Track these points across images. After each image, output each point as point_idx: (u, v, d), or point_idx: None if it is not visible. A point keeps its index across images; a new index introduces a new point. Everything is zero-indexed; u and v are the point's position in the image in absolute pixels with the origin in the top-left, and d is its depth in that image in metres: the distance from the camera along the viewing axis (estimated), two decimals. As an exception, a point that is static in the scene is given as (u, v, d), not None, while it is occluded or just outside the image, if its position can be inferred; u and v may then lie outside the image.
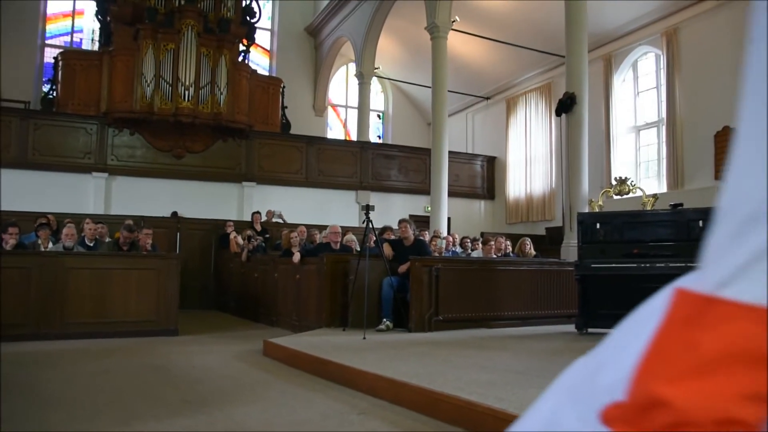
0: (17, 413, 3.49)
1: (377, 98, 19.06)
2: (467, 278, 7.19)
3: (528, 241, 9.31)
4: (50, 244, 7.72)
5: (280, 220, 12.50)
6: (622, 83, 12.60)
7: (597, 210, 8.64)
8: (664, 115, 11.48)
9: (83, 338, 6.69)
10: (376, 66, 15.92)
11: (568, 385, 0.64)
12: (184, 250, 11.05)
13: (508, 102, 15.79)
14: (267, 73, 16.84)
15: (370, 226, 6.75)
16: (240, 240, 10.55)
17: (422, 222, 12.47)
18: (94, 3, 14.03)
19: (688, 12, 10.88)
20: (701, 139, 10.34)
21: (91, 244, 7.96)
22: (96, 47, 15.04)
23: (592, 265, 6.27)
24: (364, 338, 5.89)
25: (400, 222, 7.61)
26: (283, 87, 14.77)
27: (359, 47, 15.67)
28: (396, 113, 19.40)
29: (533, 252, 9.28)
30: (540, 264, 8.12)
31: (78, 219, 9.31)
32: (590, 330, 6.39)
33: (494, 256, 8.83)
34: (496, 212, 16.06)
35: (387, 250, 7.25)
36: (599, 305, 6.22)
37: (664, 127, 11.49)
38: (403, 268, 7.01)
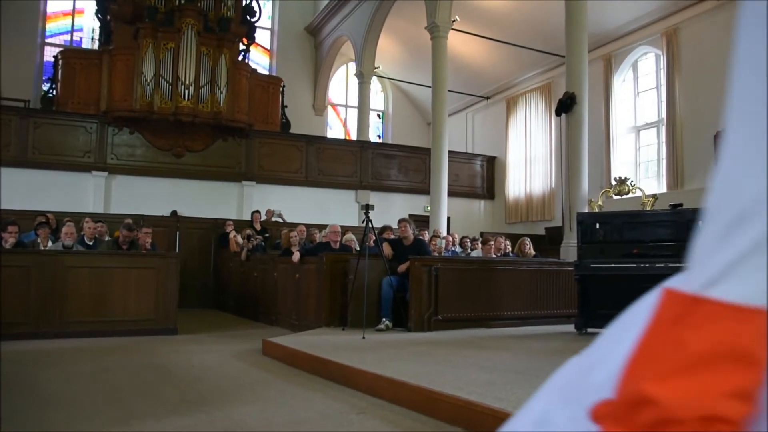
0: (16, 412, 3.49)
1: (377, 98, 19.06)
2: (467, 278, 7.19)
3: (527, 240, 9.31)
4: (50, 243, 7.72)
5: (280, 220, 12.50)
6: (622, 83, 12.60)
7: (597, 210, 8.64)
8: (664, 115, 11.48)
9: (82, 337, 6.70)
10: (376, 65, 15.92)
11: (560, 385, 0.64)
12: (184, 249, 11.04)
13: (508, 102, 15.79)
14: (267, 73, 16.84)
15: (370, 225, 6.75)
16: (239, 239, 10.55)
17: (422, 222, 12.47)
18: (94, 2, 14.03)
19: (688, 12, 10.89)
20: (701, 140, 10.34)
21: (91, 243, 7.95)
22: (96, 46, 15.03)
23: (592, 265, 6.27)
24: (364, 338, 5.89)
25: (400, 221, 7.61)
26: (283, 86, 14.77)
27: (359, 47, 15.67)
28: (396, 113, 19.40)
29: (533, 252, 9.28)
30: (539, 264, 8.12)
31: (77, 218, 9.30)
32: (590, 330, 6.39)
33: (494, 255, 8.83)
34: (495, 212, 16.06)
35: (386, 249, 7.25)
36: (599, 305, 6.22)
37: (663, 128, 11.49)
38: (402, 268, 7.00)
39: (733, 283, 0.52)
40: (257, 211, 11.92)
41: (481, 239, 10.47)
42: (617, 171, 11.84)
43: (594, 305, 6.28)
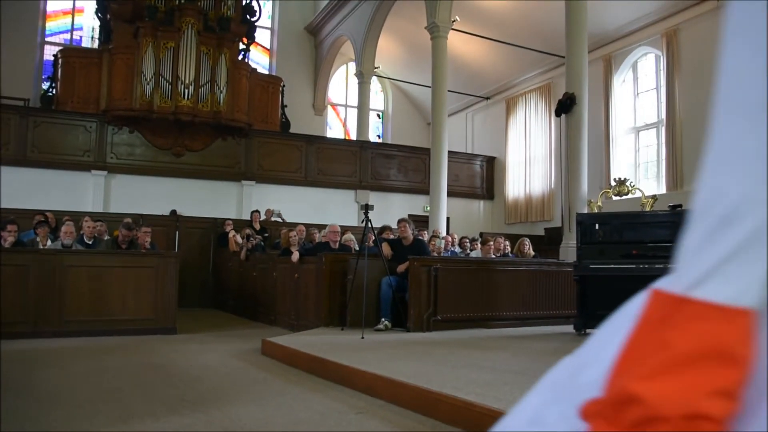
0: (15, 411, 3.49)
1: (377, 98, 19.05)
2: (466, 278, 7.19)
3: (527, 241, 9.31)
4: (49, 242, 7.72)
5: (279, 219, 12.50)
6: (621, 84, 12.60)
7: (596, 211, 8.65)
8: (663, 116, 11.48)
9: (81, 336, 6.70)
10: (376, 65, 15.91)
11: (552, 384, 0.66)
12: (183, 249, 11.04)
13: (508, 102, 15.79)
14: (267, 72, 16.82)
15: (369, 225, 6.75)
16: (239, 239, 10.55)
17: (421, 222, 12.47)
18: (94, 1, 14.02)
19: (688, 13, 10.89)
20: (701, 141, 10.16)
21: (90, 242, 7.95)
22: (96, 45, 15.02)
23: (591, 266, 6.27)
24: (363, 338, 5.89)
25: (399, 221, 7.61)
26: (283, 86, 14.76)
27: (359, 46, 15.67)
28: (396, 113, 19.40)
29: (532, 252, 9.29)
30: (539, 264, 8.12)
31: (77, 217, 9.31)
32: (589, 331, 6.38)
33: (493, 256, 8.83)
34: (495, 212, 16.07)
35: (386, 249, 7.25)
36: (598, 306, 6.22)
37: (663, 128, 11.49)
38: (401, 268, 7.00)
39: (718, 283, 0.53)
40: (257, 211, 11.92)
41: (480, 239, 10.47)
42: (617, 172, 11.84)
43: (593, 306, 6.28)
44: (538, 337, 6.31)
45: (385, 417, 3.46)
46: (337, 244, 8.03)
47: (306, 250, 8.20)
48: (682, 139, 10.83)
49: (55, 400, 3.80)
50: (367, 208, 6.72)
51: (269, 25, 18.01)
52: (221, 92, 12.62)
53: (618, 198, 9.19)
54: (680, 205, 6.62)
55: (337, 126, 19.02)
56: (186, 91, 12.27)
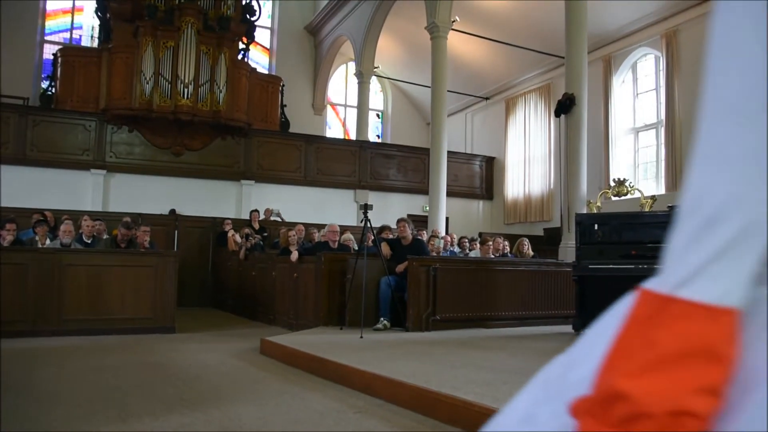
0: (14, 410, 3.49)
1: (376, 97, 19.05)
2: (465, 278, 7.20)
3: (526, 241, 9.32)
4: (48, 241, 7.72)
5: (279, 219, 12.50)
6: (621, 84, 12.61)
7: (595, 211, 8.64)
8: (663, 116, 11.48)
9: (80, 335, 6.70)
10: (375, 65, 15.90)
11: (544, 382, 0.68)
12: (182, 248, 11.03)
13: (508, 102, 15.79)
14: (266, 72, 16.81)
15: (369, 225, 6.75)
16: (238, 238, 10.55)
17: (420, 222, 12.47)
18: (94, 0, 14.01)
19: (688, 14, 10.89)
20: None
21: (89, 241, 7.95)
22: (95, 44, 15.01)
23: (590, 266, 6.27)
24: (362, 337, 5.89)
25: (399, 221, 7.61)
26: (283, 85, 14.76)
27: (359, 46, 15.66)
28: (395, 113, 19.40)
29: (531, 252, 9.29)
30: (538, 264, 8.13)
31: (76, 216, 9.30)
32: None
33: (492, 256, 8.83)
34: (494, 212, 16.07)
35: (385, 249, 7.25)
36: (597, 306, 6.17)
37: (663, 129, 11.50)
38: (400, 268, 7.01)
39: (704, 283, 0.54)
40: (256, 210, 11.92)
41: (479, 239, 10.47)
42: (616, 172, 11.84)
43: (592, 306, 6.28)
44: (536, 337, 6.31)
45: (383, 416, 3.46)
46: (336, 243, 8.03)
47: (305, 249, 8.20)
48: (682, 140, 10.84)
49: (54, 399, 3.80)
50: (366, 207, 6.71)
51: (269, 25, 18.00)
52: (221, 92, 12.62)
53: (617, 198, 9.19)
54: (679, 206, 6.62)
55: (337, 126, 19.02)
56: (185, 90, 12.27)
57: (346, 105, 19.07)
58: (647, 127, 12.24)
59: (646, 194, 8.71)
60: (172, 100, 12.19)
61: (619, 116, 12.51)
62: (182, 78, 12.25)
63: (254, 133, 13.44)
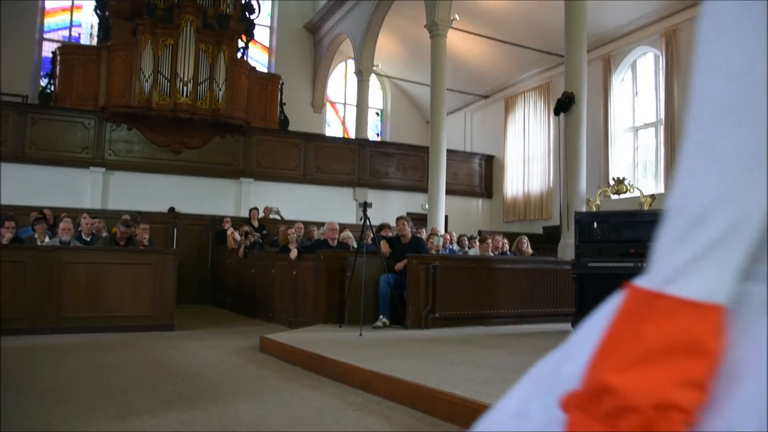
0: (13, 408, 3.49)
1: (376, 96, 19.03)
2: (464, 276, 7.20)
3: (525, 239, 9.33)
4: (47, 239, 7.71)
5: (278, 217, 12.50)
6: (620, 83, 12.61)
7: (594, 209, 8.65)
8: (662, 115, 11.48)
9: (79, 333, 6.70)
10: (375, 63, 15.88)
11: (537, 377, 0.69)
12: (182, 246, 11.03)
13: (507, 101, 15.78)
14: (266, 70, 16.79)
15: (368, 223, 6.76)
16: (237, 236, 10.55)
17: (420, 220, 12.46)
18: (93, -3, 14.00)
19: (687, 13, 10.88)
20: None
21: (88, 239, 7.94)
22: (94, 42, 14.97)
23: (589, 264, 6.28)
24: (361, 335, 5.90)
25: (398, 219, 7.61)
26: (282, 83, 14.74)
27: (358, 44, 15.65)
28: (394, 111, 19.39)
29: (530, 250, 9.30)
30: (537, 262, 8.14)
31: (75, 213, 9.28)
32: (586, 329, 6.38)
33: (491, 254, 8.84)
34: (493, 211, 16.07)
35: (384, 247, 7.25)
36: (596, 304, 6.14)
37: (662, 128, 11.50)
38: (400, 266, 7.01)
39: (690, 280, 0.56)
40: (255, 208, 11.92)
41: (478, 237, 10.47)
42: (615, 171, 11.84)
43: (591, 304, 6.19)
44: (535, 335, 6.32)
45: (382, 414, 3.47)
46: (336, 241, 8.04)
47: (304, 247, 8.20)
48: (681, 139, 10.82)
49: (54, 397, 3.80)
50: (365, 205, 6.72)
51: (268, 23, 17.97)
52: (220, 90, 12.60)
53: (616, 197, 9.18)
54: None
55: (336, 124, 19.01)
56: (185, 88, 12.26)
57: (346, 103, 19.05)
58: (646, 125, 12.24)
59: (645, 193, 8.71)
60: (171, 98, 12.18)
61: (619, 115, 12.51)
62: (181, 76, 12.23)
63: (253, 131, 13.43)
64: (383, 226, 8.97)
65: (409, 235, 7.42)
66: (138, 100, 12.09)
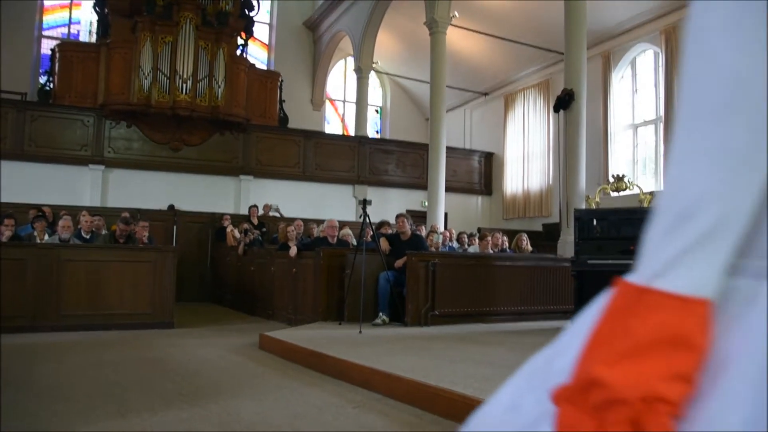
0: (13, 406, 3.49)
1: (375, 93, 19.01)
2: (464, 273, 7.20)
3: (525, 236, 9.32)
4: (46, 236, 7.71)
5: (277, 214, 12.50)
6: (620, 80, 12.60)
7: (594, 207, 8.65)
8: (662, 112, 11.48)
9: (79, 330, 6.70)
10: (374, 61, 15.86)
11: (529, 372, 0.71)
12: (181, 243, 11.02)
13: (507, 98, 15.77)
14: (265, 67, 16.78)
15: (367, 220, 6.76)
16: (237, 233, 10.55)
17: (419, 217, 12.46)
18: (92, -5, 13.96)
19: (687, 10, 10.86)
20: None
21: (88, 237, 7.94)
22: (93, 39, 14.95)
23: (589, 261, 6.28)
24: (360, 332, 5.90)
25: (398, 217, 7.62)
26: (281, 81, 14.73)
27: (358, 42, 15.63)
28: (394, 108, 19.37)
29: (530, 248, 9.29)
30: (536, 260, 8.14)
31: (74, 211, 9.27)
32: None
33: (491, 251, 8.84)
34: (493, 208, 16.07)
35: (384, 244, 7.25)
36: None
37: (661, 125, 11.50)
38: (399, 263, 7.01)
39: (678, 275, 0.57)
40: (254, 206, 11.91)
41: (478, 235, 10.47)
42: (615, 168, 11.83)
43: (590, 301, 6.27)
44: (535, 332, 6.32)
45: (382, 411, 3.47)
46: (335, 239, 8.04)
47: (304, 245, 8.20)
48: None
49: (54, 395, 3.80)
50: (365, 203, 6.72)
51: (267, 20, 17.95)
52: (219, 87, 12.59)
53: (616, 194, 9.19)
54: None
55: (336, 121, 18.99)
56: (184, 85, 12.24)
57: (345, 100, 19.04)
58: (646, 122, 12.23)
59: (644, 190, 8.72)
60: (170, 96, 12.17)
61: (618, 112, 12.51)
62: (181, 73, 12.22)
63: (253, 128, 13.42)
64: (383, 224, 8.97)
65: (409, 232, 7.42)
66: (137, 97, 12.08)
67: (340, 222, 8.76)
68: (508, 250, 9.42)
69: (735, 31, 0.56)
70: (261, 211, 12.14)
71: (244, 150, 13.31)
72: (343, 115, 19.06)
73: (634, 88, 12.49)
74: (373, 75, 16.91)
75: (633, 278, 0.60)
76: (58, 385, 4.08)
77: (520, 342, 5.48)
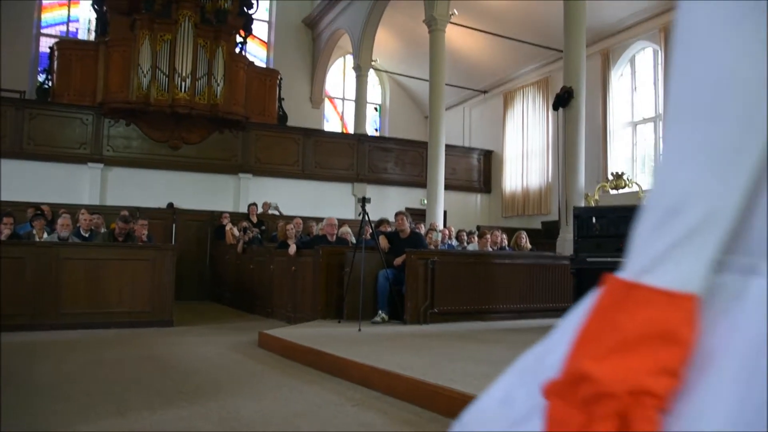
0: (12, 405, 3.49)
1: (374, 91, 18.99)
2: (463, 271, 7.20)
3: (524, 234, 9.32)
4: (45, 235, 7.70)
5: (276, 212, 12.49)
6: (619, 78, 12.60)
7: (593, 204, 8.66)
8: (661, 110, 11.48)
9: (78, 329, 6.70)
10: (373, 58, 15.85)
11: (521, 367, 0.73)
12: (180, 242, 11.02)
13: (506, 96, 15.76)
14: (264, 65, 16.77)
15: (366, 218, 6.75)
16: (236, 231, 10.55)
17: (418, 215, 12.47)
18: (91, -8, 13.94)
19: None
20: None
21: (87, 235, 7.93)
22: (92, 37, 14.94)
23: (588, 259, 6.29)
24: (360, 330, 5.90)
25: (397, 214, 7.62)
26: (280, 79, 14.71)
27: (357, 39, 15.61)
28: (393, 106, 19.36)
29: (529, 246, 9.30)
30: (536, 258, 8.14)
31: (73, 209, 9.28)
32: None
33: (490, 249, 8.84)
34: (492, 206, 16.07)
35: (383, 242, 7.25)
36: (594, 299, 6.21)
37: (661, 123, 11.49)
38: (398, 261, 7.01)
39: (665, 270, 0.58)
40: (254, 204, 11.90)
41: (477, 233, 10.48)
42: (614, 166, 11.84)
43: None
44: (534, 330, 6.33)
45: (381, 409, 3.47)
46: (334, 237, 8.04)
47: (303, 243, 8.20)
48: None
49: (53, 393, 3.80)
50: (364, 201, 6.71)
51: (266, 18, 17.93)
52: (218, 85, 12.58)
53: (615, 192, 9.20)
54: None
55: (335, 119, 18.98)
56: (183, 83, 12.23)
57: (344, 98, 19.03)
58: (645, 120, 12.23)
59: (643, 187, 8.72)
60: (169, 94, 12.16)
61: (617, 110, 12.51)
62: (179, 71, 12.20)
63: (252, 126, 13.41)
64: (382, 222, 8.97)
65: (408, 230, 7.42)
66: (136, 95, 12.06)
67: (339, 220, 8.76)
68: (507, 248, 9.42)
69: (721, 31, 0.57)
70: (260, 210, 12.13)
71: (243, 148, 13.31)
72: (342, 113, 19.05)
73: (634, 86, 12.48)
74: (372, 73, 16.89)
75: (622, 274, 0.61)
76: (57, 383, 4.09)
77: (519, 340, 5.48)
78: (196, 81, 12.37)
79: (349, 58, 17.54)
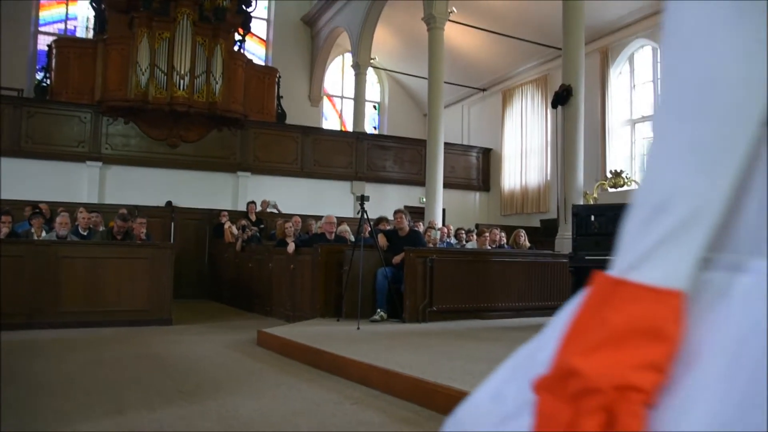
0: (10, 403, 3.49)
1: (373, 89, 18.99)
2: (462, 269, 7.21)
3: (522, 232, 9.33)
4: (43, 233, 7.70)
5: (275, 210, 12.49)
6: (618, 76, 12.59)
7: (592, 202, 8.66)
8: (659, 108, 11.47)
9: (77, 327, 6.69)
10: (372, 56, 15.84)
11: (513, 364, 0.75)
12: (179, 240, 11.02)
13: (504, 94, 15.76)
14: (263, 63, 16.75)
15: (365, 216, 6.75)
16: (234, 230, 10.54)
17: (417, 213, 12.47)
18: (89, -10, 13.91)
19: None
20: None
21: (85, 233, 7.93)
22: (90, 35, 14.90)
23: (587, 257, 6.29)
24: (358, 328, 5.90)
25: (396, 213, 7.61)
26: (279, 77, 14.69)
27: (355, 37, 15.60)
28: (392, 104, 19.35)
29: (528, 244, 9.30)
30: (534, 256, 8.14)
31: (72, 208, 9.27)
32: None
33: (489, 247, 8.85)
34: (491, 204, 16.07)
35: (382, 240, 7.25)
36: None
37: (658, 121, 11.48)
38: (397, 259, 7.01)
39: (651, 267, 0.59)
40: (252, 202, 11.89)
41: (476, 231, 10.48)
42: (613, 164, 11.85)
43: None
44: (533, 328, 6.27)
45: (380, 407, 3.48)
46: (333, 235, 8.03)
47: (302, 241, 8.20)
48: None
49: (52, 392, 3.80)
50: (363, 199, 6.71)
51: (265, 16, 17.91)
52: (217, 83, 12.56)
53: (614, 190, 9.21)
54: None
55: (333, 117, 18.97)
56: (181, 81, 12.21)
57: (343, 96, 19.01)
58: (644, 118, 12.23)
59: (642, 186, 8.71)
60: (167, 92, 12.14)
61: (616, 108, 12.51)
62: (178, 69, 12.19)
63: (250, 124, 13.40)
64: (381, 220, 8.96)
65: (407, 228, 7.42)
66: (134, 93, 12.04)
67: (338, 218, 8.75)
68: (505, 246, 9.42)
69: (706, 31, 0.58)
70: (259, 208, 12.12)
71: (242, 146, 13.30)
72: (341, 111, 19.04)
73: (632, 84, 12.49)
74: (370, 71, 16.90)
75: (611, 271, 0.62)
76: (56, 382, 4.08)
77: (517, 338, 5.45)
78: (195, 79, 12.35)
79: (348, 56, 17.52)
